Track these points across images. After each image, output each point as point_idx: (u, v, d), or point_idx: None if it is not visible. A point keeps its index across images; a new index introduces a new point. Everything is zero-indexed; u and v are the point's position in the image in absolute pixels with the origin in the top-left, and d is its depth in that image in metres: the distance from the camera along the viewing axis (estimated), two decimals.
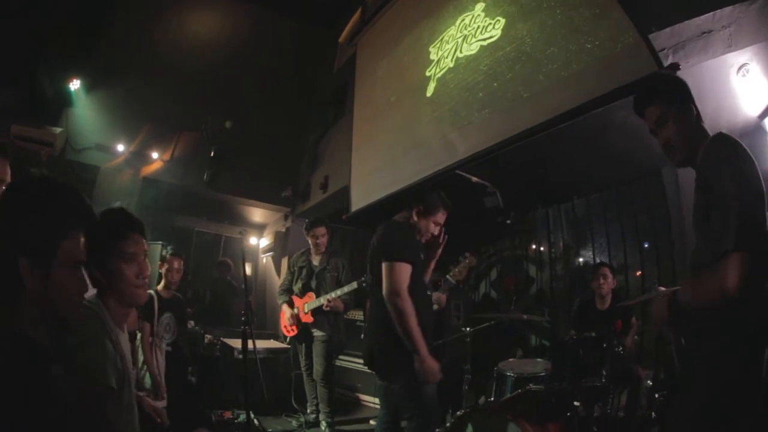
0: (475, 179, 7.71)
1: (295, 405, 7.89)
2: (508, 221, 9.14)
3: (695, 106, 2.91)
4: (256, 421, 6.15)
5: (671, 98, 2.93)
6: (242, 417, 6.86)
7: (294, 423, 7.71)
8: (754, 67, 5.54)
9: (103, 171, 10.49)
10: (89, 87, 10.33)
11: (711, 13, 5.20)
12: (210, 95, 11.25)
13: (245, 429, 6.21)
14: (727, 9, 5.13)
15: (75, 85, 10.13)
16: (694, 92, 5.11)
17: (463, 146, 7.15)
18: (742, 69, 5.58)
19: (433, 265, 4.69)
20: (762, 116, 5.65)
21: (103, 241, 2.54)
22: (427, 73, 8.40)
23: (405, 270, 4.06)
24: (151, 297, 6.19)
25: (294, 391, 7.96)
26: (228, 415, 7.16)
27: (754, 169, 2.48)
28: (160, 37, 11.03)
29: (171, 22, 11.29)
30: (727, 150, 2.60)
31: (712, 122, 6.18)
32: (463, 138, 7.20)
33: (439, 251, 4.64)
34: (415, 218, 4.48)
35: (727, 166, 2.48)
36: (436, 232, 4.55)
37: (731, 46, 5.38)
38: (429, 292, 4.57)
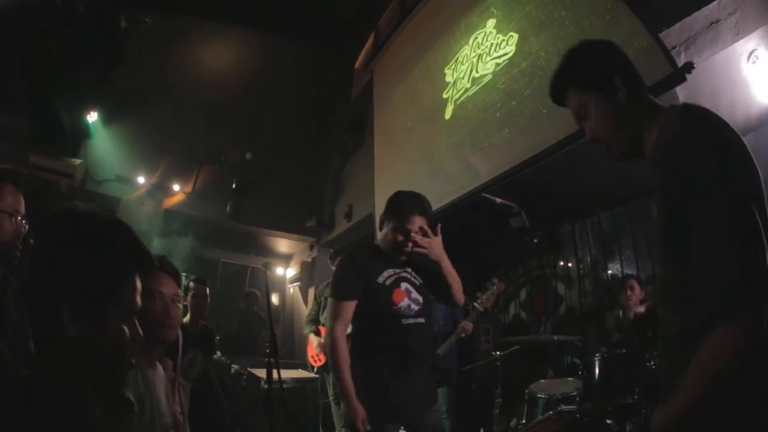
0: (499, 200, 7.64)
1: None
2: (535, 240, 9.03)
3: (623, 76, 2.13)
4: None
5: (584, 79, 2.21)
6: None
7: None
8: (763, 53, 5.45)
9: (124, 203, 10.57)
10: (107, 119, 10.45)
11: (716, 1, 5.13)
12: (229, 126, 11.43)
13: None
14: None
15: (92, 117, 10.21)
16: (709, 88, 4.98)
17: (485, 168, 7.13)
18: (752, 56, 5.48)
19: (447, 272, 3.97)
20: None
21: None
22: (444, 96, 8.39)
23: (337, 308, 3.86)
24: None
25: (322, 420, 7.91)
26: None
27: (745, 161, 1.83)
28: (176, 68, 11.24)
29: (187, 53, 11.51)
30: (697, 135, 1.83)
31: (729, 116, 6.05)
32: (484, 160, 7.17)
33: (437, 257, 3.91)
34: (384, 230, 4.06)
35: (706, 164, 1.74)
36: (400, 238, 3.86)
37: (739, 33, 5.32)
38: (419, 318, 3.91)
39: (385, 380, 3.74)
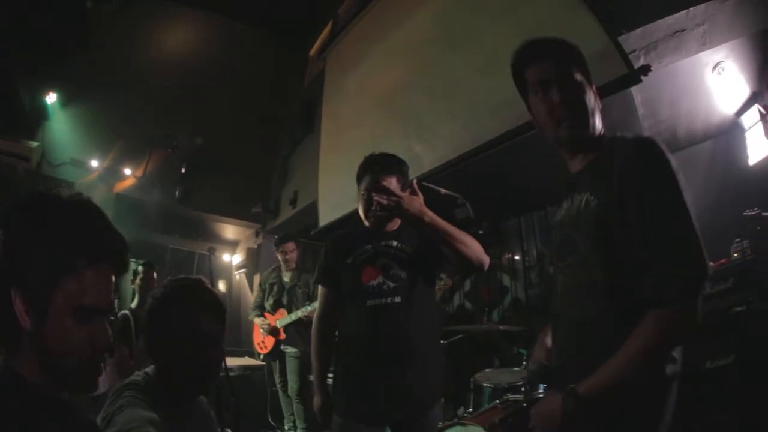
0: (444, 191, 7.63)
1: (272, 422, 7.82)
2: (480, 232, 9.05)
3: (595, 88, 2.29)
4: None
5: (577, 62, 2.28)
6: None
7: None
8: (730, 65, 5.53)
9: (77, 187, 9.99)
10: (65, 101, 10.14)
11: (684, 12, 5.09)
12: (182, 111, 11.18)
13: None
14: (701, 6, 5.03)
15: (51, 98, 9.91)
16: (670, 94, 5.06)
17: (429, 158, 7.11)
18: (718, 67, 5.57)
19: (441, 230, 3.33)
20: (739, 113, 5.63)
21: None
22: (394, 86, 8.34)
23: (319, 294, 3.80)
24: (126, 318, 5.96)
25: (270, 407, 7.85)
26: None
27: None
28: (135, 52, 10.95)
29: (146, 38, 11.22)
30: (664, 159, 1.97)
31: (688, 122, 6.17)
32: (429, 150, 7.18)
33: (407, 212, 3.26)
34: None
35: (677, 183, 1.95)
36: (362, 204, 3.64)
37: (705, 44, 5.36)
38: (394, 298, 3.39)
39: (351, 375, 3.44)
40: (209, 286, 2.24)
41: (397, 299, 3.39)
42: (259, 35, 12.47)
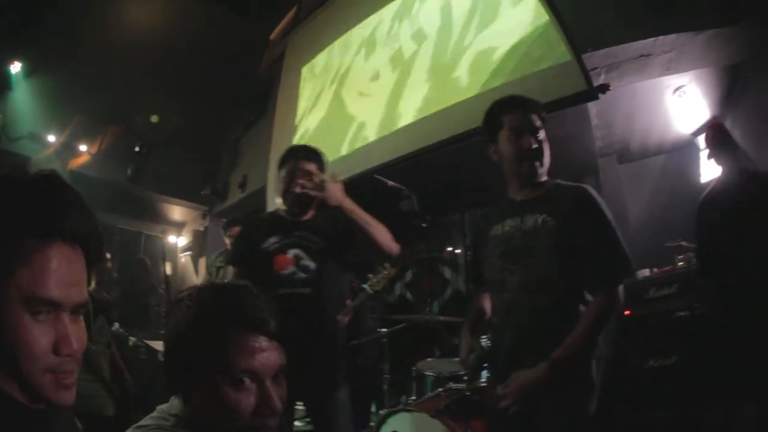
0: (391, 183, 7.72)
1: None
2: (424, 224, 9.17)
3: None
4: None
5: (541, 117, 2.98)
6: None
7: None
8: (693, 89, 5.72)
9: (34, 162, 9.70)
10: (30, 71, 9.88)
11: (653, 39, 5.26)
12: (140, 88, 10.92)
13: None
14: (671, 36, 5.21)
15: (16, 68, 9.67)
16: (626, 109, 5.29)
17: (379, 152, 7.21)
18: (679, 90, 5.74)
19: (357, 218, 3.52)
20: (695, 134, 5.83)
21: None
22: (348, 82, 8.39)
23: (230, 275, 3.94)
24: None
25: None
26: None
27: None
28: (100, 25, 10.51)
29: (111, 12, 10.84)
30: (599, 202, 2.84)
31: (642, 137, 6.39)
32: (379, 144, 7.32)
33: (325, 196, 3.45)
34: None
35: (605, 214, 2.79)
36: (282, 186, 3.70)
37: (670, 69, 5.54)
38: (303, 288, 3.51)
39: None
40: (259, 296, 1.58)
41: (307, 290, 3.52)
42: (221, 14, 12.26)
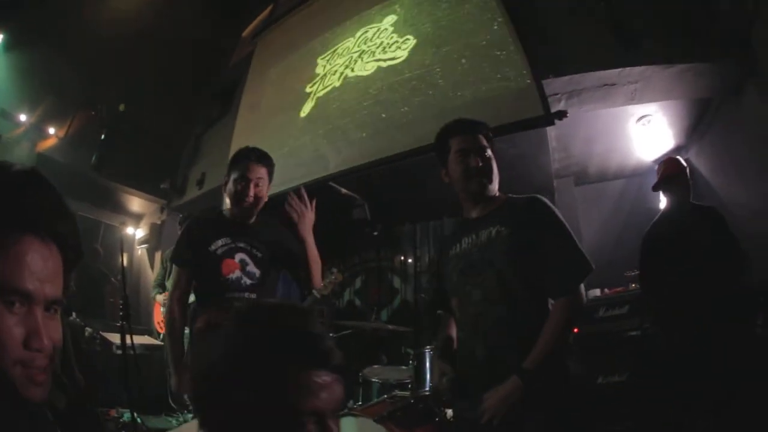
0: (344, 191, 7.79)
1: (172, 404, 7.60)
2: (375, 233, 9.24)
3: None
4: (139, 420, 5.84)
5: (486, 136, 3.12)
6: (126, 416, 6.54)
7: (174, 422, 7.36)
8: (659, 119, 5.83)
9: (3, 142, 9.69)
10: (10, 45, 9.60)
11: (618, 69, 5.34)
12: (113, 74, 10.79)
13: (131, 428, 5.89)
14: (638, 68, 5.30)
15: None
16: (585, 134, 5.46)
17: (335, 160, 7.28)
18: (644, 119, 5.87)
19: (310, 253, 3.89)
20: (657, 161, 5.96)
21: None
22: (308, 89, 8.40)
23: (174, 273, 3.82)
24: None
25: (170, 390, 7.69)
26: (113, 413, 6.77)
27: None
28: (82, 7, 10.29)
29: None
30: (554, 209, 2.93)
31: (601, 161, 6.55)
32: (336, 153, 7.34)
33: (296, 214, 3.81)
34: None
35: (561, 220, 2.88)
36: (239, 188, 3.67)
37: (634, 99, 5.61)
38: (250, 294, 3.61)
39: None
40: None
41: (253, 295, 3.60)
42: (198, 8, 12.11)
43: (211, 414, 1.26)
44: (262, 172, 3.76)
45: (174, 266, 3.84)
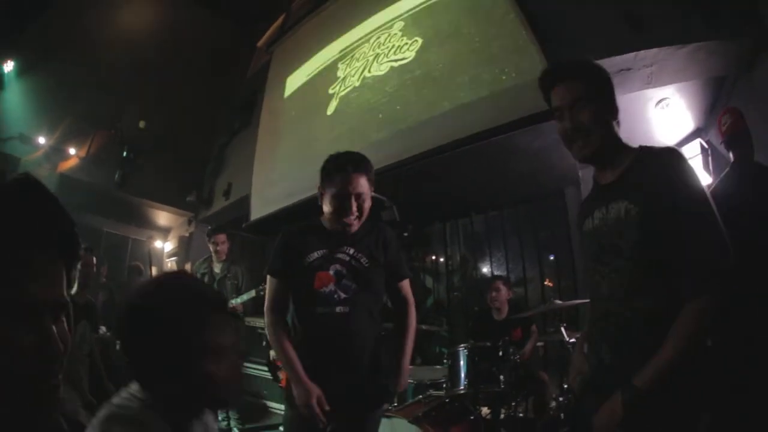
0: (372, 194, 7.77)
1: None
2: (405, 234, 9.22)
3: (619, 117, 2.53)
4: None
5: (601, 84, 2.52)
6: None
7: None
8: (676, 101, 5.70)
9: (24, 164, 9.75)
10: (22, 70, 9.75)
11: (633, 53, 5.24)
12: (130, 93, 10.93)
13: None
14: (652, 51, 5.19)
15: (8, 66, 9.54)
16: None
17: None
18: (662, 102, 5.75)
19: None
20: (679, 145, 5.85)
21: None
22: (331, 90, 8.48)
23: (269, 284, 3.47)
24: None
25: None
26: None
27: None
28: (95, 28, 10.50)
29: (105, 15, 10.76)
30: (686, 164, 2.27)
31: None
32: None
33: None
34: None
35: (699, 181, 2.22)
36: (334, 208, 3.32)
37: (651, 83, 5.49)
38: (329, 308, 3.29)
39: (309, 372, 3.22)
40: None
41: (346, 309, 3.27)
42: (211, 21, 12.27)
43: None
44: (362, 182, 3.36)
45: (268, 279, 3.50)
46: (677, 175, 2.20)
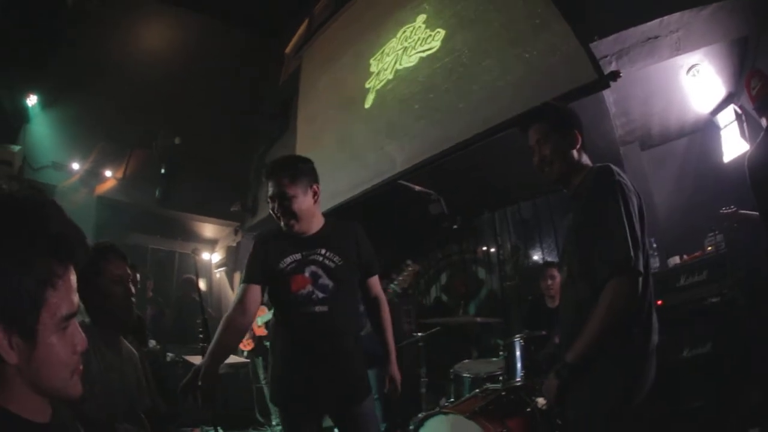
0: (418, 188, 7.75)
1: (259, 418, 7.79)
2: (455, 226, 9.20)
3: (581, 136, 3.06)
4: None
5: (557, 121, 3.09)
6: None
7: None
8: (706, 67, 5.64)
9: (59, 191, 10.05)
10: (46, 102, 9.98)
11: (658, 20, 5.22)
12: (161, 111, 11.13)
13: None
14: (675, 15, 5.16)
15: (32, 101, 9.76)
16: (642, 94, 5.19)
17: (401, 158, 7.29)
18: (693, 69, 5.68)
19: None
20: (714, 113, 5.76)
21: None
22: (367, 85, 8.54)
23: (240, 290, 3.53)
24: None
25: (257, 404, 7.87)
26: None
27: (634, 199, 2.73)
28: (116, 52, 10.70)
29: (127, 38, 11.01)
30: (615, 177, 2.76)
31: (661, 120, 6.37)
32: (400, 149, 7.34)
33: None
34: None
35: (616, 194, 2.68)
36: (271, 208, 3.56)
37: (679, 49, 5.45)
38: (308, 308, 3.46)
39: (294, 372, 3.49)
40: None
41: (325, 308, 3.45)
42: (235, 32, 12.39)
43: None
44: (283, 183, 3.49)
45: (241, 285, 3.57)
46: (592, 186, 2.83)
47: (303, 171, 3.58)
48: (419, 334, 5.97)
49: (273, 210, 3.51)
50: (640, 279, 2.60)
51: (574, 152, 2.99)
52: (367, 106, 8.44)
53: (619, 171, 2.81)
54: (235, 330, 3.46)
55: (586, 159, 3.03)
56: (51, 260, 1.24)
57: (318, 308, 3.43)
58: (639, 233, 2.63)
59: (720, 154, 5.83)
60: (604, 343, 2.55)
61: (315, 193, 3.62)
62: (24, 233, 1.21)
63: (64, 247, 1.28)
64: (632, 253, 2.54)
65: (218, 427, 5.15)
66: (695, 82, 5.83)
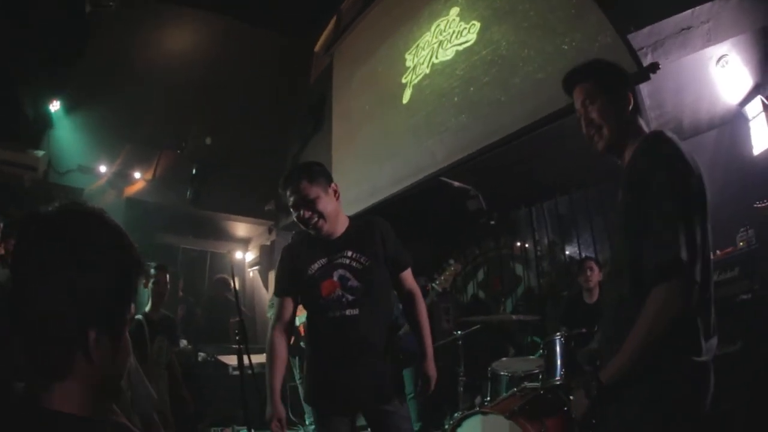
0: (457, 184, 7.77)
1: (292, 417, 7.84)
2: (492, 222, 9.19)
3: (634, 98, 2.62)
4: None
5: (605, 80, 2.69)
6: None
7: None
8: (734, 58, 5.62)
9: (87, 194, 10.21)
10: (70, 107, 10.11)
11: (690, 11, 5.25)
12: (189, 112, 11.20)
13: None
14: (706, 5, 5.20)
15: (55, 106, 9.88)
16: (674, 86, 5.15)
17: (442, 153, 7.29)
18: (722, 60, 5.67)
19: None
20: (742, 104, 5.72)
21: None
22: (403, 80, 8.56)
23: (276, 303, 3.70)
24: (139, 323, 6.00)
25: (290, 403, 7.92)
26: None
27: (693, 172, 2.28)
28: (139, 54, 10.81)
29: (149, 40, 11.05)
30: (668, 149, 2.35)
31: (692, 112, 6.33)
32: (441, 145, 7.34)
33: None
34: None
35: (669, 168, 2.28)
36: (297, 216, 3.53)
37: (710, 40, 5.46)
38: (338, 312, 3.50)
39: (326, 373, 3.55)
40: None
41: (355, 311, 3.49)
42: (261, 32, 12.43)
43: None
44: (305, 187, 3.49)
45: (275, 299, 3.75)
46: (645, 162, 2.38)
47: (319, 172, 3.60)
48: (459, 332, 6.00)
49: (298, 218, 3.52)
50: (696, 286, 2.15)
51: (627, 115, 2.58)
52: (404, 101, 8.45)
53: (676, 140, 2.40)
54: (281, 356, 3.62)
55: (642, 124, 2.60)
56: (134, 272, 1.36)
57: (349, 311, 3.48)
58: (697, 226, 2.18)
59: (750, 147, 5.79)
60: (648, 359, 2.16)
61: (335, 192, 3.64)
62: (112, 240, 1.33)
63: (136, 260, 1.37)
64: (684, 255, 2.09)
65: (251, 429, 5.19)
66: (724, 73, 5.80)
